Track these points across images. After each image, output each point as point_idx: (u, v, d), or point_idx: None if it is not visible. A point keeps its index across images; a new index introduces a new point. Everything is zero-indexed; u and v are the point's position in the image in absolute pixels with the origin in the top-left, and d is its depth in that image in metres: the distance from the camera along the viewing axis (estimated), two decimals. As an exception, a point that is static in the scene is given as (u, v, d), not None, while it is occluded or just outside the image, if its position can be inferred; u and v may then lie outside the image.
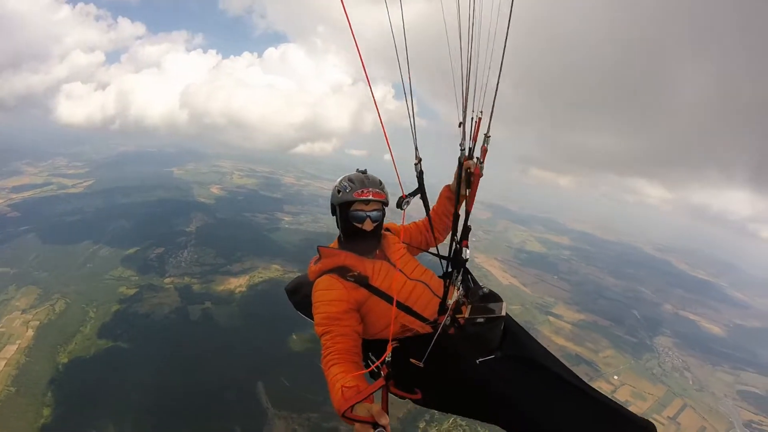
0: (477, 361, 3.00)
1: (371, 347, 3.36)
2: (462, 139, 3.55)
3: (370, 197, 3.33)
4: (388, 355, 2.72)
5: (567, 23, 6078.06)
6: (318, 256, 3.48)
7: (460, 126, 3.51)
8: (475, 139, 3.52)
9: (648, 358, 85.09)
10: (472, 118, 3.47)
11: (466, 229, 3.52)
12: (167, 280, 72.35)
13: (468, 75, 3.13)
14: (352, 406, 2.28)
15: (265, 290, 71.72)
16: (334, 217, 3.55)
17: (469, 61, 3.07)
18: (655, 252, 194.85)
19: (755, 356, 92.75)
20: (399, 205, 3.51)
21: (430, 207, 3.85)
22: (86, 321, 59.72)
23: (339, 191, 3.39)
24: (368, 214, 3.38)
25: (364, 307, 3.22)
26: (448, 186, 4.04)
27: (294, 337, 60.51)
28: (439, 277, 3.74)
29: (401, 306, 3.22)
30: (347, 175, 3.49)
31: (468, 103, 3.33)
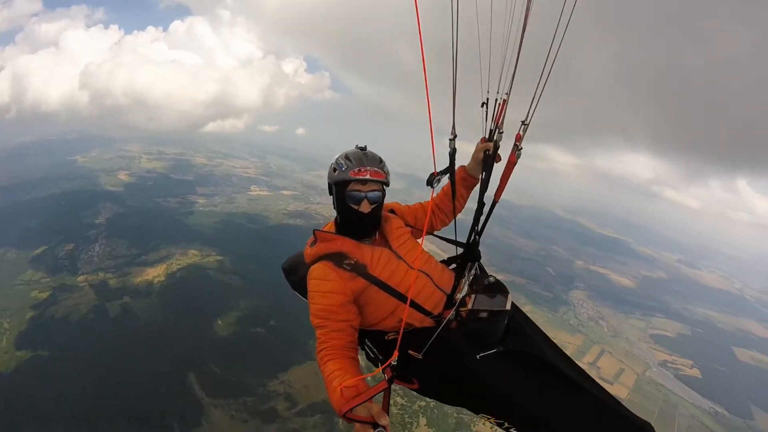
0: (478, 356, 3.01)
1: (368, 334, 3.34)
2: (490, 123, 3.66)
3: (368, 177, 3.18)
4: (394, 360, 2.75)
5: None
6: (314, 238, 3.41)
7: (482, 106, 3.61)
8: (497, 121, 3.60)
9: (564, 310, 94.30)
10: (496, 100, 3.54)
11: (479, 213, 3.64)
12: (81, 278, 69.79)
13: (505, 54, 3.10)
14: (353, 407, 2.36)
15: (185, 277, 71.25)
16: (332, 197, 3.43)
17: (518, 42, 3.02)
18: (566, 214, 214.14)
19: (663, 304, 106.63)
20: (429, 183, 3.57)
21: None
22: (1, 333, 56.77)
23: (335, 169, 3.27)
24: (366, 194, 3.23)
25: (361, 297, 3.14)
26: (463, 167, 3.98)
27: (219, 322, 61.32)
28: (442, 262, 3.82)
29: (402, 298, 3.14)
30: (345, 151, 3.35)
31: (493, 82, 3.38)
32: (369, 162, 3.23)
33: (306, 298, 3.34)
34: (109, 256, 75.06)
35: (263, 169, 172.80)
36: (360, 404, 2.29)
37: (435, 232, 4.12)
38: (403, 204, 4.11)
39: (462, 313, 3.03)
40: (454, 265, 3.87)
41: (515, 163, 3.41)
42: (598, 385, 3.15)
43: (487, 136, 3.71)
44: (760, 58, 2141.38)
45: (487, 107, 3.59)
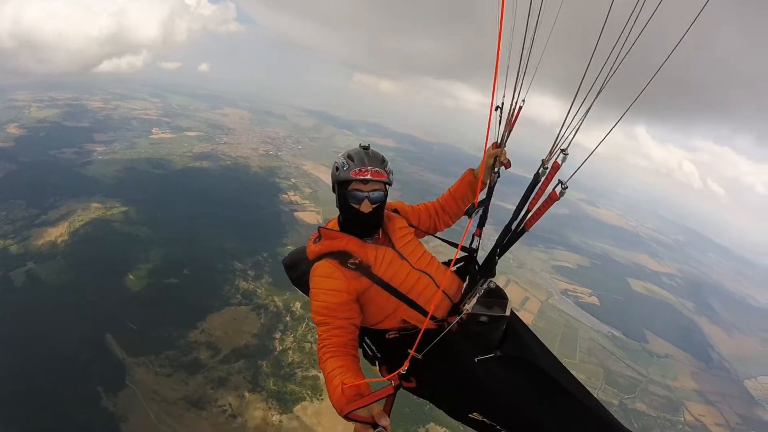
0: (476, 360, 3.16)
1: (368, 333, 3.48)
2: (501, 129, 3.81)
3: (369, 177, 3.24)
4: (403, 369, 2.66)
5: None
6: (318, 234, 3.49)
7: (496, 110, 3.64)
8: (511, 128, 3.77)
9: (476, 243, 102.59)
10: (512, 105, 3.64)
11: (484, 218, 3.86)
12: (-24, 249, 63.45)
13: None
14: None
15: (90, 233, 68.43)
16: (335, 195, 3.49)
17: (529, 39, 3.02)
18: (475, 152, 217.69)
19: (564, 237, 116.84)
20: (468, 214, 3.70)
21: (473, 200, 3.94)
22: None
23: (337, 168, 3.32)
24: (367, 194, 3.29)
25: (364, 296, 3.24)
26: (472, 170, 4.10)
27: (131, 277, 60.44)
28: (445, 264, 3.85)
29: (404, 299, 3.28)
30: (348, 150, 3.40)
31: (508, 84, 3.43)
32: (371, 162, 3.30)
33: (306, 294, 3.50)
34: (5, 221, 69.29)
35: (165, 110, 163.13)
36: (361, 407, 2.39)
37: (439, 237, 4.20)
38: (407, 204, 4.17)
39: (463, 315, 3.20)
40: (455, 267, 3.97)
41: (556, 200, 3.30)
42: (590, 393, 3.28)
43: (498, 142, 3.85)
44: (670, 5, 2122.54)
45: (501, 111, 3.71)
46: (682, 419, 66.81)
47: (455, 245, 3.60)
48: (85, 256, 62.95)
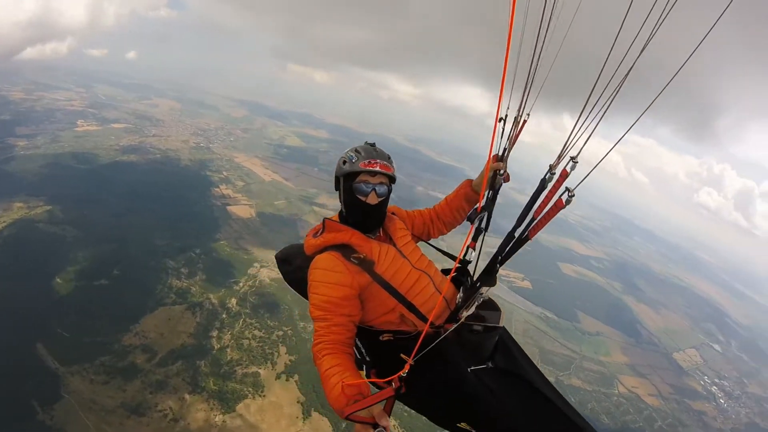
0: (468, 370, 3.21)
1: (360, 333, 3.44)
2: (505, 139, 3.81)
3: (378, 168, 3.38)
4: (404, 372, 2.78)
5: None
6: (321, 228, 3.57)
7: (500, 121, 3.71)
8: (514, 141, 3.79)
9: None
10: (516, 117, 3.68)
11: (477, 231, 3.90)
12: None
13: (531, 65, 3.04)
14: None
15: (12, 236, 65.62)
16: (337, 192, 3.60)
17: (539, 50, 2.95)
18: (407, 142, 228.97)
19: (495, 224, 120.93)
20: (471, 220, 3.80)
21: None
22: None
23: (345, 162, 3.44)
24: (374, 187, 3.42)
25: (365, 292, 3.29)
26: (470, 181, 4.19)
27: (58, 280, 58.55)
28: (443, 273, 3.97)
29: (403, 301, 3.33)
30: (355, 146, 3.52)
31: (517, 96, 3.41)
32: (379, 156, 3.43)
33: (297, 291, 3.72)
34: None
35: (91, 101, 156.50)
36: (362, 409, 2.50)
37: (433, 244, 4.34)
38: (401, 209, 4.21)
39: (460, 323, 3.22)
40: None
41: (562, 208, 3.07)
42: (576, 411, 3.24)
43: (499, 154, 3.87)
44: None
45: (504, 123, 3.73)
46: (617, 392, 72.18)
47: (448, 255, 4.14)
48: (9, 260, 60.73)
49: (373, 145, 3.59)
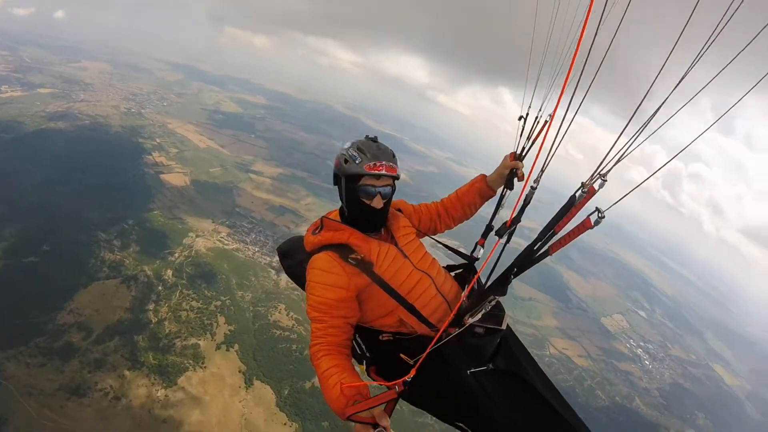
0: (468, 372, 3.21)
1: (360, 331, 3.51)
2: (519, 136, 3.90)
3: (383, 171, 3.27)
4: (409, 377, 2.79)
5: None
6: (319, 225, 3.54)
7: (520, 119, 3.86)
8: (533, 141, 3.89)
9: None
10: (536, 117, 3.77)
11: (488, 228, 4.10)
12: None
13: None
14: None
15: None
16: (336, 186, 3.51)
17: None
18: (346, 110, 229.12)
19: (433, 194, 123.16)
20: (500, 234, 3.62)
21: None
22: None
23: (346, 161, 3.31)
24: (379, 189, 3.34)
25: (363, 293, 3.29)
26: (484, 176, 4.19)
27: None
28: (445, 269, 4.04)
29: (403, 303, 3.32)
30: (357, 142, 3.40)
31: (545, 94, 3.46)
32: (384, 156, 3.32)
33: (299, 285, 3.72)
34: None
35: (16, 64, 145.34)
36: (364, 410, 2.57)
37: (440, 239, 4.40)
38: (408, 203, 4.20)
39: (465, 328, 3.16)
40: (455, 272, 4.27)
41: (590, 228, 2.89)
42: (573, 411, 3.27)
43: (517, 152, 3.98)
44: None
45: (525, 122, 3.84)
46: (548, 353, 78.11)
47: (458, 252, 4.28)
48: (-74, 241, 57.16)
49: (375, 140, 3.49)
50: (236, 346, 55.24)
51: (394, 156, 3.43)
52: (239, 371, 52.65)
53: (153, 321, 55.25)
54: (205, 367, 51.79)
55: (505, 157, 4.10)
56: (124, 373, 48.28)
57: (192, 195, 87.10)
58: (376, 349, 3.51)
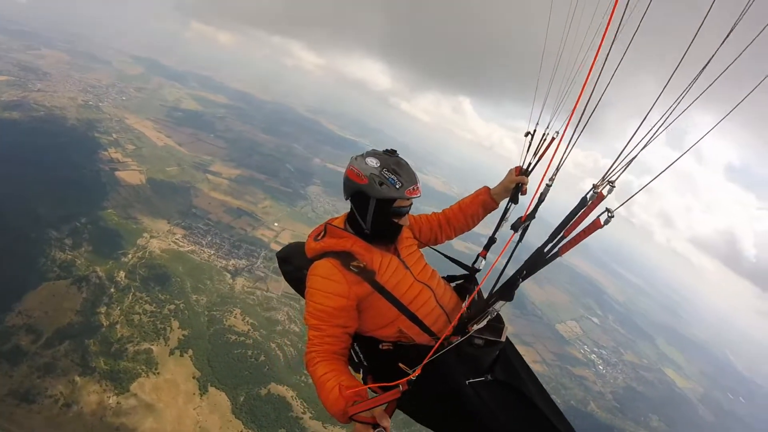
0: (467, 382, 3.24)
1: (359, 340, 3.55)
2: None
3: (419, 195, 3.40)
4: (414, 376, 2.86)
5: None
6: (322, 231, 3.57)
7: (526, 135, 3.97)
8: (540, 158, 3.97)
9: (302, 204, 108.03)
10: (544, 134, 3.88)
11: (491, 241, 4.22)
12: None
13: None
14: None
15: None
16: (351, 200, 3.52)
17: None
18: (307, 113, 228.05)
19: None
20: (515, 228, 3.59)
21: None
22: None
23: (382, 183, 3.27)
24: (408, 210, 3.50)
25: (364, 302, 3.33)
26: (488, 188, 4.25)
27: None
28: (448, 278, 4.21)
29: (405, 311, 3.38)
30: (383, 159, 3.37)
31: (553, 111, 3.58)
32: (416, 178, 3.40)
33: (297, 292, 3.80)
34: None
35: None
36: (366, 410, 2.61)
37: (442, 252, 4.41)
38: (410, 216, 4.01)
39: (469, 336, 3.18)
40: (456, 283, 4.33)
41: (599, 228, 2.86)
42: (569, 425, 3.35)
43: (523, 167, 4.09)
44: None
45: (532, 138, 3.93)
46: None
47: (459, 263, 4.27)
48: None
49: (394, 153, 3.49)
50: (190, 352, 54.83)
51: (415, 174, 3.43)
52: (193, 377, 52.39)
53: (104, 324, 54.20)
54: (158, 373, 51.17)
55: (510, 171, 4.19)
56: (75, 378, 47.43)
57: (147, 194, 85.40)
58: (375, 358, 3.54)
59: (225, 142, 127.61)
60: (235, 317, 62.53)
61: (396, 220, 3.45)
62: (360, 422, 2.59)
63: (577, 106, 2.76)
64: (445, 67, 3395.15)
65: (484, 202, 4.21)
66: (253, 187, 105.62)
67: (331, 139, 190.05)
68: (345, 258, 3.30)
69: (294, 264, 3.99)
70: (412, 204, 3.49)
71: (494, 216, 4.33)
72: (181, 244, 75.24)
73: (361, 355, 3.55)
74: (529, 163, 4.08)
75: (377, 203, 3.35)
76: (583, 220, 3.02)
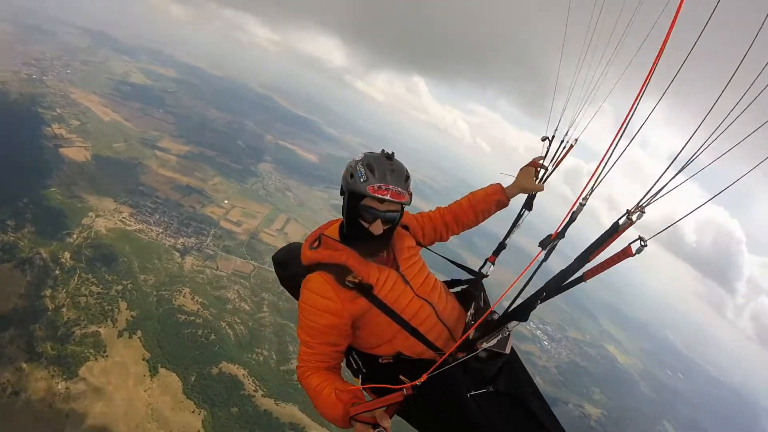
0: (469, 394, 3.16)
1: (358, 351, 3.48)
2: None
3: (387, 197, 3.01)
4: (421, 381, 2.76)
5: None
6: (317, 240, 3.37)
7: (544, 140, 3.93)
8: (557, 165, 3.97)
9: (253, 182, 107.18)
10: (562, 141, 3.83)
11: (501, 246, 4.19)
12: None
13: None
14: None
15: None
16: (343, 198, 3.30)
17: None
18: (260, 89, 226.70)
19: (339, 177, 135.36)
20: (544, 246, 3.30)
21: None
22: None
23: (352, 175, 3.10)
24: (380, 214, 3.13)
25: (360, 320, 3.19)
26: (500, 186, 4.12)
27: None
28: (451, 283, 4.14)
29: (406, 326, 3.24)
30: (370, 155, 3.22)
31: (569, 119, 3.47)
32: (393, 179, 3.08)
33: (294, 297, 3.53)
34: None
35: None
36: (367, 411, 2.59)
37: (449, 258, 4.22)
38: (413, 217, 4.07)
39: (477, 353, 3.09)
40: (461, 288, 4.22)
41: (630, 256, 2.58)
42: None
43: (540, 174, 4.11)
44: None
45: (551, 144, 3.90)
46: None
47: (465, 269, 4.31)
48: None
49: (390, 156, 3.27)
50: (139, 333, 55.02)
51: (407, 180, 3.19)
52: (143, 359, 52.62)
53: (50, 308, 53.46)
54: (107, 356, 51.09)
55: (522, 170, 4.16)
56: (22, 365, 46.96)
57: (93, 171, 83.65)
58: (374, 369, 3.46)
59: (174, 117, 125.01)
60: (184, 297, 62.63)
61: (365, 224, 3.16)
62: (361, 422, 2.61)
63: (627, 120, 2.57)
64: (400, 45, 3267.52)
65: (498, 201, 4.13)
66: (203, 164, 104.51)
67: (284, 116, 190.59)
68: (339, 272, 3.12)
69: (290, 271, 3.79)
70: (391, 212, 3.17)
71: (495, 216, 4.39)
72: (128, 222, 74.47)
73: (359, 363, 3.51)
74: (545, 170, 4.11)
75: (348, 199, 3.20)
76: (609, 245, 2.88)
